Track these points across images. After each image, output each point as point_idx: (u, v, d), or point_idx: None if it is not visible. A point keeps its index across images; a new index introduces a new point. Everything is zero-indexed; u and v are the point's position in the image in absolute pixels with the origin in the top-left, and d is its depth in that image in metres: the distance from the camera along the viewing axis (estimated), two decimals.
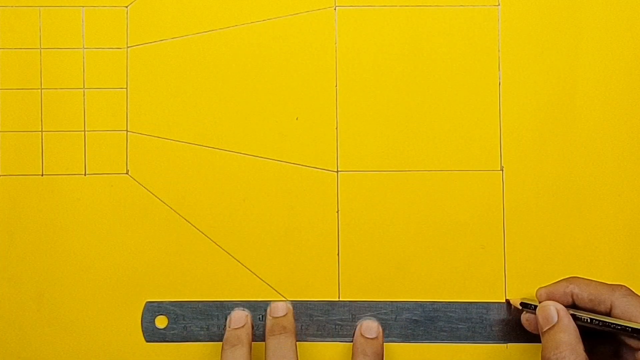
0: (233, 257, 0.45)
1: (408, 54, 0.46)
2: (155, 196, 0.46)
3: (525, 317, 0.43)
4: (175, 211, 0.45)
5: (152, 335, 0.45)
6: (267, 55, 0.46)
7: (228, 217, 0.45)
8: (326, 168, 0.46)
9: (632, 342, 0.40)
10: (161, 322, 0.45)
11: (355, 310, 0.45)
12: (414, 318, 0.45)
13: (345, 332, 0.45)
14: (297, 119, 0.46)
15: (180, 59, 0.46)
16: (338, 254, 0.45)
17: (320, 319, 0.45)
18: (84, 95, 0.46)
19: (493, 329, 0.45)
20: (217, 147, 0.46)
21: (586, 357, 0.40)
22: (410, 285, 0.45)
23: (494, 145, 0.46)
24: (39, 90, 0.46)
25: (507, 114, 0.46)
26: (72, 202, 0.45)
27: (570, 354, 0.39)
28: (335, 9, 0.46)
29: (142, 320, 0.45)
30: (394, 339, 0.45)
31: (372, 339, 0.43)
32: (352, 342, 0.44)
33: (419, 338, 0.45)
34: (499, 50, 0.46)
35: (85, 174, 0.46)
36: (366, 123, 0.46)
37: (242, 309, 0.45)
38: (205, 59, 0.46)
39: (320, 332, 0.45)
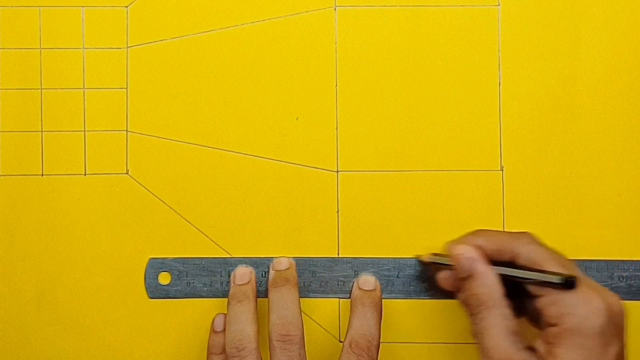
0: (233, 257, 0.45)
1: (408, 54, 0.46)
2: (155, 196, 0.46)
3: (442, 275, 0.43)
4: (175, 211, 0.46)
5: (155, 291, 0.45)
6: (267, 55, 0.46)
7: (228, 217, 0.46)
8: (326, 168, 0.46)
9: (532, 289, 0.39)
10: (164, 278, 0.45)
11: (358, 267, 0.45)
12: (416, 274, 0.45)
13: (347, 288, 0.45)
14: (297, 119, 0.46)
15: (180, 59, 0.46)
16: (338, 255, 0.45)
17: (322, 275, 0.45)
18: (84, 95, 0.46)
19: None
20: (217, 147, 0.46)
21: (507, 303, 0.39)
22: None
23: (494, 145, 0.46)
24: (39, 90, 0.46)
25: (507, 114, 0.46)
26: (72, 202, 0.45)
27: (490, 303, 0.40)
28: (335, 9, 0.46)
29: (145, 277, 0.45)
30: (396, 295, 0.45)
31: (369, 290, 0.43)
32: None
33: (421, 294, 0.45)
34: (499, 50, 0.46)
35: (85, 174, 0.46)
36: (366, 123, 0.46)
37: (246, 265, 0.45)
38: (205, 59, 0.46)
39: (322, 289, 0.45)
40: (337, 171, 0.46)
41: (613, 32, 0.46)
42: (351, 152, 0.46)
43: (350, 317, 0.43)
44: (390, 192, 0.46)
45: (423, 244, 0.45)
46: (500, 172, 0.46)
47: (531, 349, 0.39)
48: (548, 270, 0.39)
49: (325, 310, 0.45)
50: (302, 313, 0.42)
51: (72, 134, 0.46)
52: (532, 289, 0.40)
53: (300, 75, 0.46)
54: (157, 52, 0.46)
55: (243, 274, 0.44)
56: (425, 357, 0.45)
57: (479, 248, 0.41)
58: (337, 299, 0.45)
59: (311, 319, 0.45)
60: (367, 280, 0.44)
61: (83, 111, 0.46)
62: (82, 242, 0.45)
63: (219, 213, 0.45)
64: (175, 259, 0.45)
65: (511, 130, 0.46)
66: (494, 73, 0.46)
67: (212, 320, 0.44)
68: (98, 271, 0.45)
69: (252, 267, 0.45)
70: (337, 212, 0.46)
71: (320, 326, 0.45)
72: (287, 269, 0.44)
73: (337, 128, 0.46)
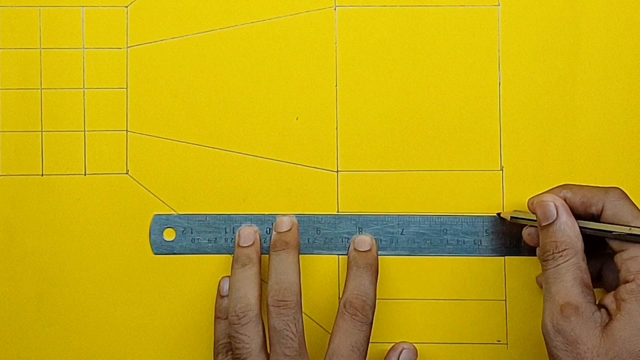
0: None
1: (408, 54, 0.46)
2: (155, 196, 0.46)
3: (526, 231, 0.43)
4: (175, 211, 0.46)
5: (160, 247, 0.45)
6: (267, 55, 0.46)
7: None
8: (326, 168, 0.46)
9: (614, 245, 0.40)
10: (169, 234, 0.45)
11: (362, 223, 0.45)
12: (420, 231, 0.45)
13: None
14: (297, 119, 0.46)
15: (180, 59, 0.46)
16: (338, 257, 0.45)
17: (327, 232, 0.45)
18: (84, 95, 0.46)
19: (499, 242, 0.45)
20: (217, 147, 0.46)
21: (584, 257, 0.40)
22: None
23: (494, 145, 0.46)
24: (39, 90, 0.46)
25: (507, 114, 0.46)
26: (72, 202, 0.45)
27: (569, 252, 0.40)
28: (335, 9, 0.46)
29: (150, 233, 0.45)
30: (400, 252, 0.45)
31: (364, 251, 0.44)
32: None
33: (425, 251, 0.45)
34: (499, 50, 0.46)
35: (85, 174, 0.46)
36: (366, 123, 0.46)
37: (250, 224, 0.45)
38: (205, 59, 0.46)
39: (327, 245, 0.45)
40: (337, 171, 0.46)
41: (613, 32, 0.46)
42: (351, 152, 0.46)
43: (346, 278, 0.43)
44: (390, 192, 0.46)
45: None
46: (500, 172, 0.46)
47: (600, 306, 0.40)
48: (635, 226, 0.40)
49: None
50: (302, 273, 0.43)
51: (72, 134, 0.46)
52: (614, 244, 0.40)
53: (300, 75, 0.46)
54: (157, 52, 0.46)
55: (247, 235, 0.44)
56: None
57: (564, 199, 0.42)
58: (337, 255, 0.45)
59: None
60: (363, 241, 0.44)
61: (83, 111, 0.46)
62: (82, 242, 0.45)
63: (219, 213, 0.45)
64: (179, 215, 0.45)
65: (511, 130, 0.46)
66: (494, 73, 0.46)
67: (218, 281, 0.45)
68: (98, 271, 0.45)
69: (256, 226, 0.45)
70: (337, 212, 0.46)
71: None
72: (289, 230, 0.44)
73: (337, 128, 0.46)
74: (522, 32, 0.46)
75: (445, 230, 0.45)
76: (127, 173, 0.46)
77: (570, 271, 0.39)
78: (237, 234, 0.45)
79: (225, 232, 0.45)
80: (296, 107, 0.46)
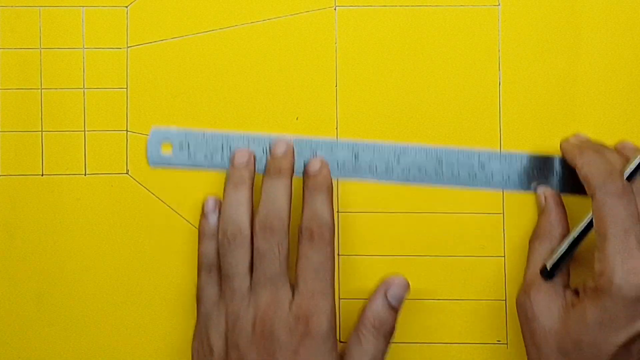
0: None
1: (408, 54, 0.46)
2: (156, 196, 0.46)
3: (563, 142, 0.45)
4: (175, 211, 0.46)
5: (156, 160, 0.45)
6: (267, 55, 0.46)
7: None
8: None
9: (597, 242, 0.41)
10: (166, 148, 0.45)
11: (358, 150, 0.45)
12: (417, 161, 0.45)
13: (347, 172, 0.45)
14: (297, 119, 0.46)
15: (180, 59, 0.46)
16: (338, 256, 0.45)
17: (324, 157, 0.45)
18: (84, 95, 0.46)
19: (495, 175, 0.45)
20: None
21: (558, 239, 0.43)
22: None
23: (494, 145, 0.46)
24: (39, 90, 0.46)
25: (507, 114, 0.46)
26: (72, 202, 0.45)
27: (546, 238, 0.43)
28: (335, 9, 0.46)
29: (147, 145, 0.45)
30: (394, 181, 0.45)
31: (313, 174, 0.44)
32: (354, 180, 0.45)
33: (419, 180, 0.45)
34: (499, 50, 0.46)
35: (85, 174, 0.46)
36: (366, 123, 0.46)
37: (247, 147, 0.45)
38: (205, 59, 0.46)
39: None
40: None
41: (613, 32, 0.46)
42: None
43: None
44: (390, 192, 0.46)
45: (423, 244, 0.45)
46: None
47: (576, 291, 0.41)
48: None
49: None
50: (296, 198, 0.43)
51: (72, 134, 0.46)
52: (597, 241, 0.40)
53: (300, 75, 0.46)
54: (157, 52, 0.46)
55: (242, 155, 0.44)
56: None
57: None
58: (335, 180, 0.45)
59: None
60: (312, 164, 0.44)
61: (83, 111, 0.46)
62: (82, 242, 0.45)
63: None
64: (177, 130, 0.45)
65: (511, 130, 0.46)
66: (494, 73, 0.46)
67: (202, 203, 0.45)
68: (98, 271, 0.45)
69: (252, 150, 0.45)
70: (337, 212, 0.46)
71: None
72: (283, 155, 0.44)
73: (337, 128, 0.46)
74: (522, 32, 0.46)
75: (440, 161, 0.45)
76: (127, 173, 0.46)
77: (541, 255, 0.43)
78: (231, 155, 0.45)
79: (222, 150, 0.45)
80: (296, 107, 0.46)
